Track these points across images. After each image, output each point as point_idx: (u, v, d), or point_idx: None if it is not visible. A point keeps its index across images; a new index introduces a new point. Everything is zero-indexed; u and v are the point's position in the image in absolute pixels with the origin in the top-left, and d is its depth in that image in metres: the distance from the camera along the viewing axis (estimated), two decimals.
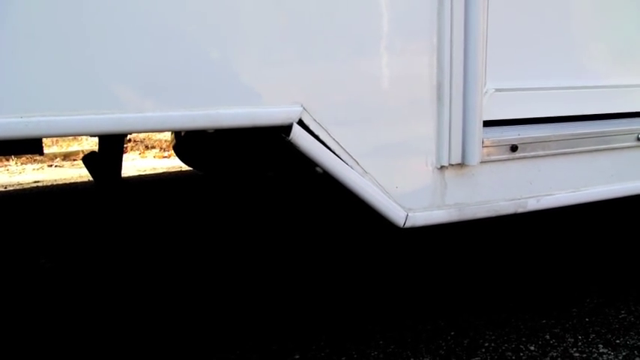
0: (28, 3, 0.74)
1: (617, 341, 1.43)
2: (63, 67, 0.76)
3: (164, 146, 5.13)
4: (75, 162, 4.65)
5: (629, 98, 1.27)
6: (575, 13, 1.22)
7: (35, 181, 3.94)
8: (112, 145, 1.69)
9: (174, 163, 3.76)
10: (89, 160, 1.73)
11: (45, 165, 4.62)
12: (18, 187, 3.74)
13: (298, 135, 0.89)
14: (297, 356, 1.39)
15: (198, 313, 1.62)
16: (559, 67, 1.20)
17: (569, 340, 1.45)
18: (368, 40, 0.94)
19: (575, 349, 1.40)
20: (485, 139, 1.03)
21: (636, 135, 1.19)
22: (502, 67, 1.12)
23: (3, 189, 3.68)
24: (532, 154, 1.09)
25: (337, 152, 0.93)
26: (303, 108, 0.89)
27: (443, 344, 1.44)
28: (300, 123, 0.89)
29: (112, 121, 0.80)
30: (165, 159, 4.83)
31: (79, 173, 4.15)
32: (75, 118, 0.79)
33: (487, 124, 1.07)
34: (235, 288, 1.78)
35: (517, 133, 1.08)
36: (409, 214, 0.99)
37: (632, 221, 2.18)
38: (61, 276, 1.90)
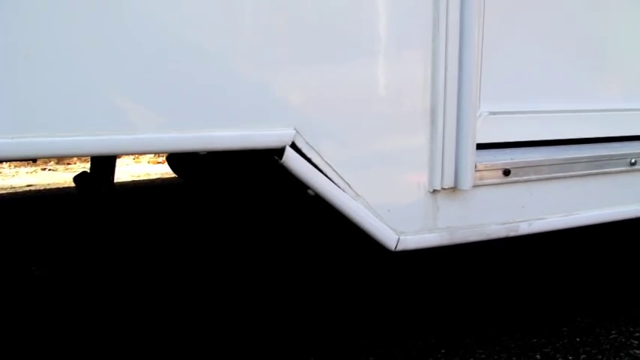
0: (20, 23, 0.74)
1: None
2: (55, 88, 0.76)
3: None
4: (68, 166, 4.63)
5: (622, 122, 1.27)
6: (570, 37, 1.22)
7: (28, 185, 3.92)
8: (104, 164, 1.68)
9: (169, 169, 3.76)
10: (80, 179, 1.72)
11: (38, 168, 4.60)
12: (11, 191, 3.72)
13: (291, 158, 0.89)
14: None
15: (185, 324, 1.61)
16: (553, 90, 1.21)
17: None
18: (362, 66, 0.94)
19: None
20: (477, 163, 1.03)
21: (629, 160, 1.19)
22: (496, 90, 1.12)
23: None
24: (524, 178, 1.09)
25: (329, 175, 0.93)
26: (296, 131, 0.89)
27: None
28: (293, 146, 0.89)
29: (104, 143, 0.80)
30: (160, 164, 4.82)
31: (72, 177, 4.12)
32: (67, 140, 0.78)
33: (480, 146, 1.07)
34: (222, 305, 1.77)
35: (510, 157, 1.08)
36: (401, 238, 0.99)
37: (623, 243, 2.19)
38: (51, 284, 1.88)
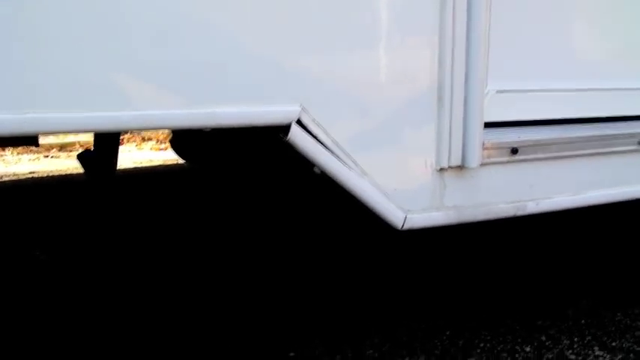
0: (22, 3, 0.72)
1: (613, 344, 1.43)
2: (58, 63, 0.75)
3: (161, 138, 5.10)
4: (71, 153, 4.62)
5: (631, 101, 1.26)
6: (579, 14, 1.20)
7: (31, 172, 3.92)
8: (108, 142, 1.67)
9: (171, 156, 3.74)
10: (84, 157, 1.71)
11: (41, 156, 4.60)
12: (14, 178, 3.72)
13: (296, 135, 0.88)
14: (292, 354, 1.39)
15: (189, 308, 1.61)
16: (561, 69, 1.19)
17: (564, 341, 1.45)
18: (369, 41, 0.93)
19: (570, 351, 1.40)
20: (485, 142, 1.02)
21: (637, 139, 1.18)
22: (503, 68, 1.11)
23: None
24: (532, 156, 1.08)
25: (336, 153, 0.92)
26: (302, 108, 0.88)
27: (438, 344, 1.44)
28: (299, 123, 0.88)
29: (107, 119, 0.79)
30: (162, 151, 4.81)
31: (75, 164, 4.12)
32: (70, 116, 0.77)
33: (487, 125, 1.06)
34: (229, 285, 1.77)
35: (517, 135, 1.06)
36: (407, 216, 0.98)
37: (631, 225, 2.18)
38: (55, 269, 1.88)
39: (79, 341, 1.42)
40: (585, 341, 1.45)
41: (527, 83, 1.15)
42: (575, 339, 1.46)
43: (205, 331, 1.49)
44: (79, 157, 1.76)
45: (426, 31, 0.98)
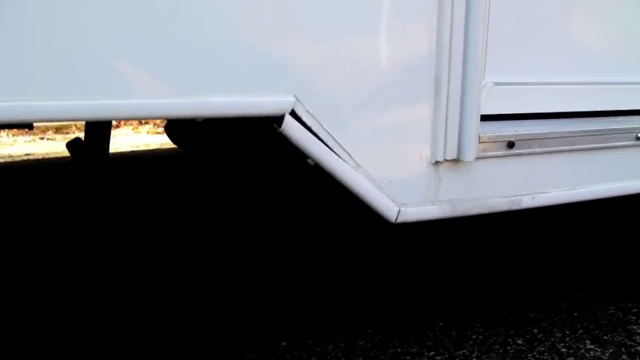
0: None
1: (605, 337, 1.44)
2: (50, 51, 0.73)
3: (158, 122, 5.07)
4: (67, 135, 4.59)
5: (629, 96, 1.24)
6: (580, 6, 1.18)
7: (26, 154, 3.90)
8: (99, 129, 1.65)
9: (168, 140, 3.73)
10: (73, 145, 1.69)
11: (37, 137, 4.57)
12: (9, 160, 3.70)
13: (290, 126, 0.87)
14: (284, 343, 1.39)
15: (180, 295, 1.61)
16: (560, 62, 1.17)
17: (557, 334, 1.45)
18: (365, 30, 0.91)
19: (562, 345, 1.40)
20: (481, 135, 1.01)
21: (635, 134, 1.17)
22: (501, 60, 1.09)
23: None
24: (529, 151, 1.07)
25: (330, 145, 0.91)
26: (296, 98, 0.86)
27: (431, 335, 1.44)
28: (293, 114, 0.87)
29: (98, 107, 0.77)
30: (159, 135, 4.78)
31: None
32: (61, 104, 0.76)
33: (483, 118, 1.04)
34: (221, 274, 1.77)
35: (514, 129, 1.05)
36: (401, 209, 0.97)
37: (628, 218, 2.18)
38: (48, 254, 1.88)
39: (72, 327, 1.42)
40: (577, 334, 1.45)
41: (525, 76, 1.13)
42: (567, 332, 1.47)
43: (196, 318, 1.49)
44: (68, 145, 1.75)
45: (423, 21, 0.96)
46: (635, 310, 1.59)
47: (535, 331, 1.47)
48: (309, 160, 0.92)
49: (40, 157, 3.79)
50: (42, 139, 4.57)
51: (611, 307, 1.61)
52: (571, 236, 2.21)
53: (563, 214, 2.20)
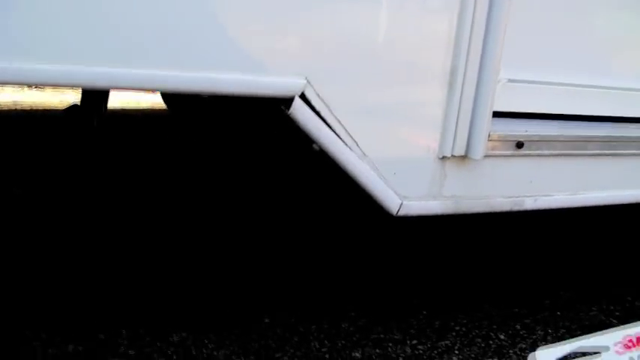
0: None
1: None
2: (48, 12, 0.69)
3: None
4: (57, 87, 4.47)
5: None
6: (599, 10, 1.15)
7: (14, 102, 3.79)
8: (95, 98, 1.59)
9: (160, 100, 3.64)
10: (70, 112, 1.63)
11: (25, 86, 4.44)
12: None
13: (299, 109, 0.84)
14: (267, 320, 1.38)
15: (163, 264, 1.58)
16: (575, 64, 1.15)
17: (539, 332, 1.46)
18: (382, 15, 0.87)
19: (543, 343, 1.41)
20: (491, 133, 0.98)
21: None
22: (517, 57, 1.06)
23: None
24: (536, 152, 1.05)
25: (337, 131, 0.88)
26: (307, 81, 0.83)
27: (414, 323, 1.44)
28: (302, 97, 0.83)
29: (96, 75, 0.73)
30: (151, 93, 4.67)
31: (60, 99, 4.00)
32: (64, 69, 0.72)
33: (494, 115, 1.02)
34: (209, 249, 1.74)
35: (524, 129, 1.03)
36: (404, 203, 0.95)
37: (622, 223, 2.19)
38: (31, 205, 1.83)
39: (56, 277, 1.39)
40: (559, 334, 1.47)
41: (540, 75, 1.10)
42: (550, 330, 1.48)
43: (180, 292, 1.46)
44: (65, 112, 1.69)
45: (444, 10, 0.92)
46: (618, 313, 1.61)
47: (518, 327, 1.48)
48: (314, 146, 0.89)
49: (29, 107, 3.69)
50: (30, 87, 4.45)
51: (594, 309, 1.62)
52: (562, 237, 2.21)
53: (560, 216, 2.20)
